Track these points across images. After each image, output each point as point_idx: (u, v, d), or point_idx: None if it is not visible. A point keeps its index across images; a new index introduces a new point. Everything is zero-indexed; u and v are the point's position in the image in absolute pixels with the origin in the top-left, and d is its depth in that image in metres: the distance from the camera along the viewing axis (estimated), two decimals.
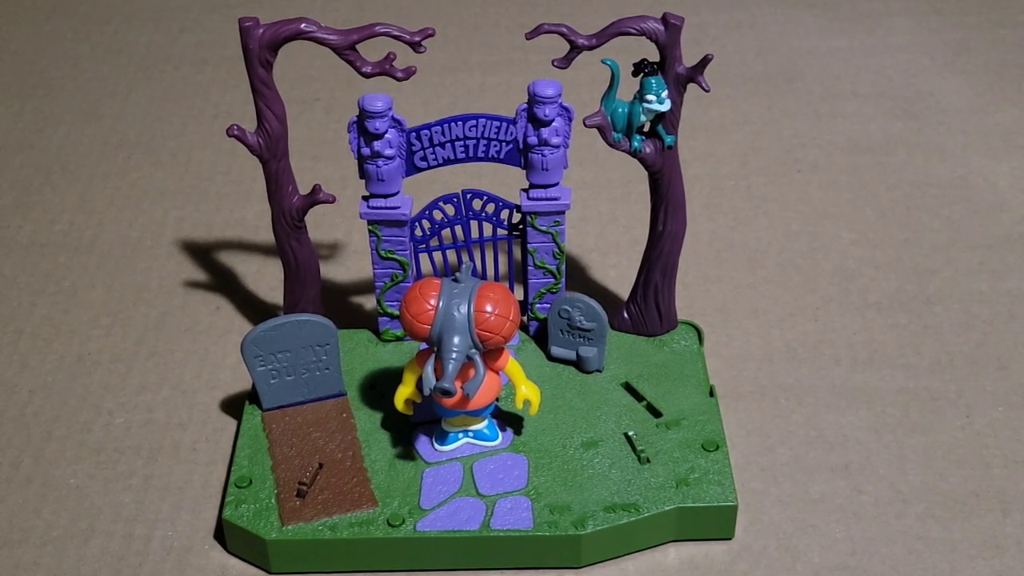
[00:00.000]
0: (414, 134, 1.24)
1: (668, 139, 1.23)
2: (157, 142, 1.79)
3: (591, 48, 1.19)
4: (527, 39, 1.19)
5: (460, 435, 1.22)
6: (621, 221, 1.61)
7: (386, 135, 1.22)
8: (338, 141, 1.77)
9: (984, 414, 1.33)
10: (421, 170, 1.27)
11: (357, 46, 1.17)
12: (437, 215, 1.30)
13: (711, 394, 1.28)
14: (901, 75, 1.91)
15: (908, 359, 1.40)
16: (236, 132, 1.21)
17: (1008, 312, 1.46)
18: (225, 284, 1.52)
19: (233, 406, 1.34)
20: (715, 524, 1.18)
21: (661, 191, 1.27)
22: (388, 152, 1.23)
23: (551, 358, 1.33)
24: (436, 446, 1.23)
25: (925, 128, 1.79)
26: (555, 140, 1.23)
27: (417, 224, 1.30)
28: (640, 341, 1.35)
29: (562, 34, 1.19)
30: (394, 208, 1.26)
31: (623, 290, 1.48)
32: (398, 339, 1.36)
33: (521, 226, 1.31)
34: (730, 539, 1.19)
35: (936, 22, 2.05)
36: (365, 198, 1.27)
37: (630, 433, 1.23)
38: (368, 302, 1.47)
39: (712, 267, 1.53)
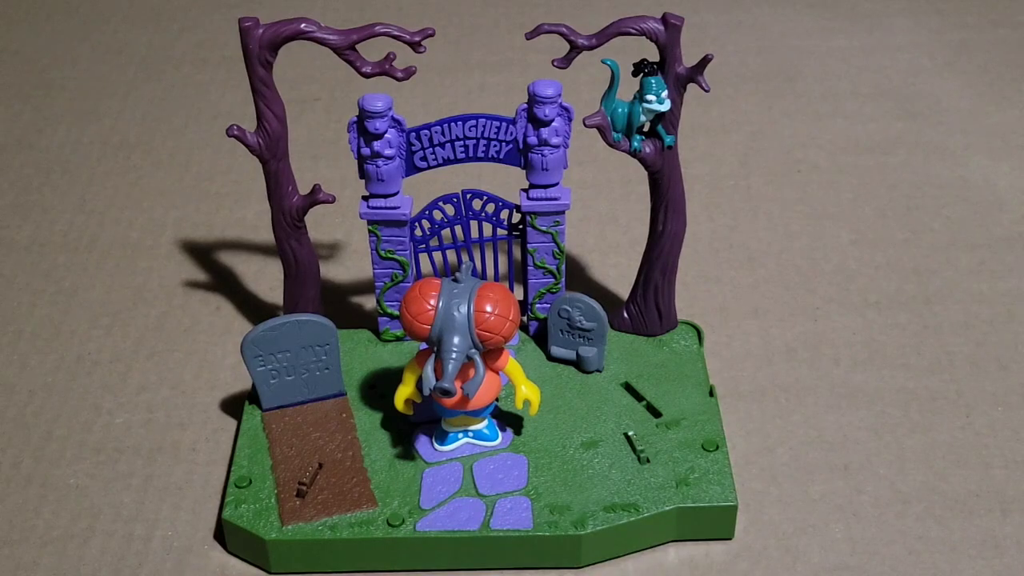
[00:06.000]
0: (414, 134, 1.24)
1: (668, 139, 1.23)
2: (157, 142, 1.79)
3: (591, 48, 1.19)
4: (527, 39, 1.19)
5: (460, 435, 1.22)
6: (621, 221, 1.61)
7: (386, 135, 1.22)
8: (338, 141, 1.77)
9: (984, 414, 1.33)
10: (421, 170, 1.27)
11: (357, 46, 1.17)
12: (437, 215, 1.30)
13: (711, 394, 1.28)
14: (901, 75, 1.91)
15: (908, 359, 1.40)
16: (236, 132, 1.21)
17: (1008, 312, 1.46)
18: (225, 284, 1.52)
19: (233, 406, 1.34)
20: (715, 524, 1.18)
21: (661, 191, 1.27)
22: (388, 152, 1.23)
23: (551, 358, 1.33)
24: (436, 446, 1.23)
25: (925, 128, 1.79)
26: (555, 140, 1.23)
27: (417, 224, 1.30)
28: (640, 341, 1.35)
29: (562, 34, 1.19)
30: (394, 208, 1.26)
31: (623, 290, 1.48)
32: (398, 339, 1.36)
33: (521, 226, 1.31)
34: (730, 539, 1.19)
35: (936, 22, 2.05)
36: (365, 198, 1.27)
37: (630, 433, 1.23)
38: (368, 302, 1.47)
39: (712, 267, 1.53)
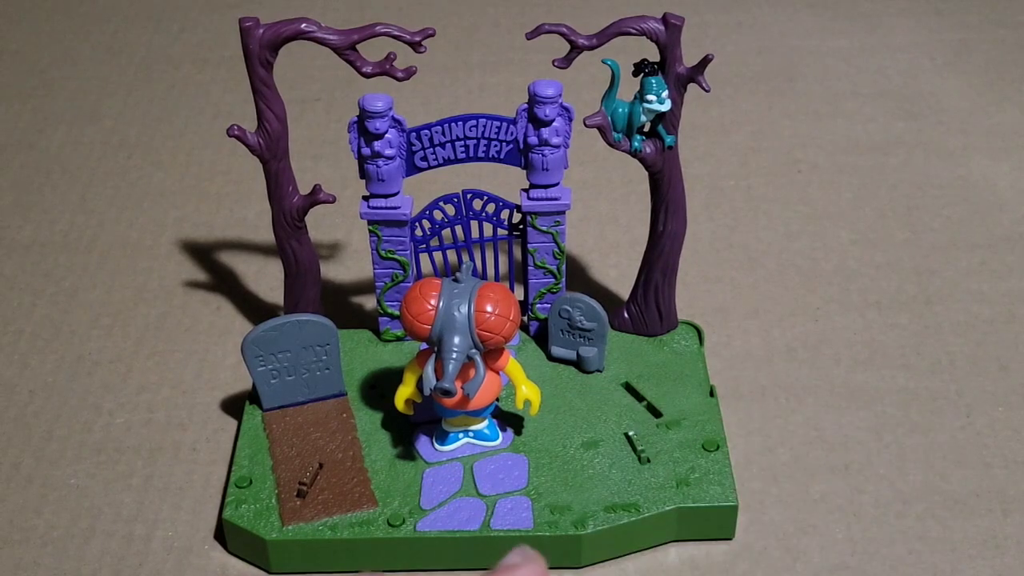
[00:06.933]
0: (414, 134, 1.24)
1: (668, 139, 1.23)
2: (157, 142, 1.79)
3: (591, 48, 1.19)
4: (527, 39, 1.19)
5: (460, 435, 1.22)
6: (621, 221, 1.61)
7: (386, 135, 1.22)
8: (338, 141, 1.77)
9: (984, 414, 1.33)
10: (421, 170, 1.27)
11: (357, 46, 1.17)
12: (437, 215, 1.30)
13: (711, 394, 1.28)
14: (901, 75, 1.91)
15: (908, 359, 1.40)
16: (236, 132, 1.21)
17: (1008, 312, 1.46)
18: (225, 284, 1.52)
19: (233, 406, 1.34)
20: (715, 524, 1.18)
21: (661, 191, 1.27)
22: (388, 152, 1.23)
23: (551, 358, 1.33)
24: (436, 446, 1.23)
25: (925, 128, 1.79)
26: (555, 140, 1.23)
27: (417, 224, 1.30)
28: (640, 341, 1.35)
29: (562, 34, 1.19)
30: (394, 208, 1.26)
31: (623, 290, 1.48)
32: (398, 339, 1.36)
33: (521, 226, 1.31)
34: (730, 539, 1.19)
35: (936, 22, 2.05)
36: (365, 198, 1.27)
37: (630, 433, 1.23)
38: (368, 302, 1.47)
39: (712, 267, 1.53)
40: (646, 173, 1.27)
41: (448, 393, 1.10)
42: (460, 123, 1.24)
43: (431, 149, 1.25)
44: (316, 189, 1.26)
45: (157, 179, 1.71)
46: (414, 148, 1.25)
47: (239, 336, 1.43)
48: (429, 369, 1.12)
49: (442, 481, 1.19)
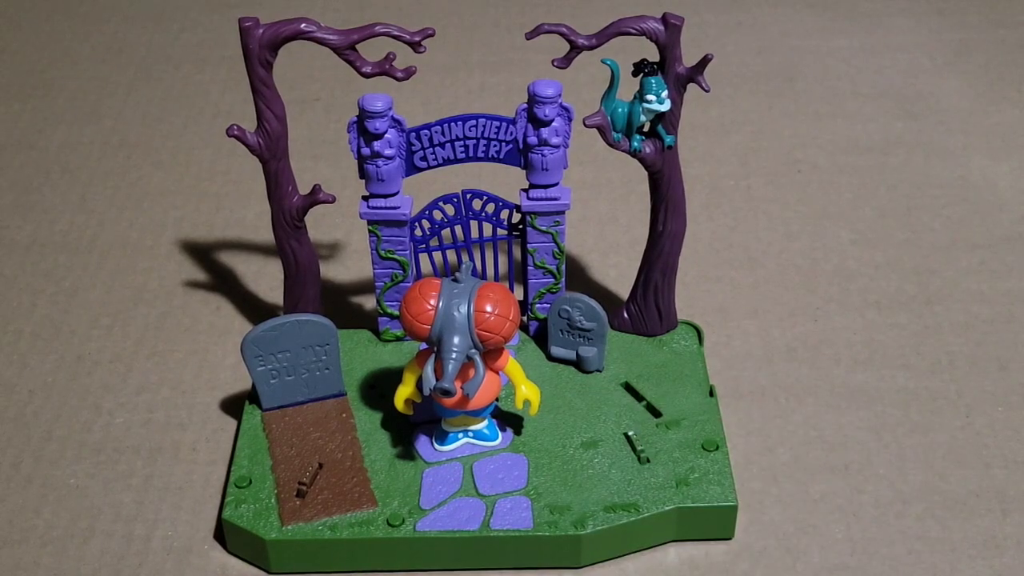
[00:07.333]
0: (414, 134, 1.24)
1: (668, 139, 1.23)
2: (157, 142, 1.79)
3: (591, 48, 1.19)
4: (527, 39, 1.19)
5: (460, 435, 1.22)
6: (621, 221, 1.61)
7: (386, 135, 1.22)
8: (338, 141, 1.77)
9: (984, 414, 1.33)
10: (421, 170, 1.27)
11: (357, 46, 1.17)
12: (437, 215, 1.30)
13: (711, 394, 1.28)
14: (901, 75, 1.91)
15: (908, 359, 1.40)
16: (236, 132, 1.21)
17: (1008, 312, 1.46)
18: (225, 284, 1.52)
19: (233, 406, 1.34)
20: (715, 524, 1.18)
21: (661, 191, 1.27)
22: (388, 152, 1.23)
23: (551, 358, 1.33)
24: (436, 446, 1.23)
25: (925, 128, 1.79)
26: (555, 140, 1.23)
27: (417, 224, 1.30)
28: (640, 341, 1.35)
29: (562, 34, 1.19)
30: (394, 208, 1.26)
31: (623, 290, 1.48)
32: (398, 339, 1.36)
33: (521, 226, 1.31)
34: (730, 539, 1.19)
35: (936, 22, 2.05)
36: (365, 198, 1.27)
37: (630, 433, 1.23)
38: (368, 302, 1.47)
39: (712, 267, 1.53)
40: (646, 173, 1.27)
41: (448, 393, 1.10)
42: (460, 123, 1.24)
43: (431, 149, 1.25)
44: (316, 189, 1.26)
45: (157, 179, 1.71)
46: (414, 148, 1.25)
47: (239, 336, 1.43)
48: (429, 369, 1.12)
49: (442, 481, 1.19)
